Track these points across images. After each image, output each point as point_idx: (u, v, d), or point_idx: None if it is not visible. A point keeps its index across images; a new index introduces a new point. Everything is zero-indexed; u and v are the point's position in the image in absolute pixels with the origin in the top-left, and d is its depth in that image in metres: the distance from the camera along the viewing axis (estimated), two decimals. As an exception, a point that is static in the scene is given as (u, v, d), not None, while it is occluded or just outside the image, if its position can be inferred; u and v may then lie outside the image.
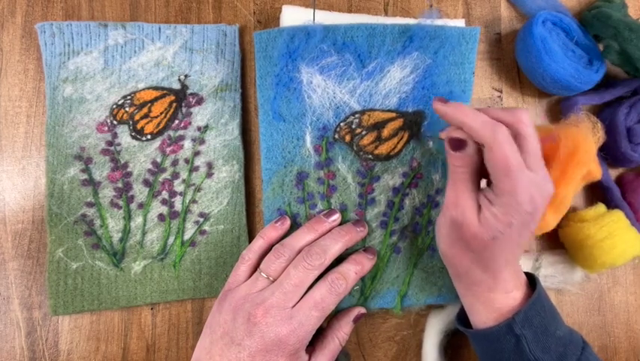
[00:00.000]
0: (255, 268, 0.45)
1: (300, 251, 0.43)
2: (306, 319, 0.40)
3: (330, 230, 0.45)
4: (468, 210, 0.39)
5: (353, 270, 0.44)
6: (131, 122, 0.48)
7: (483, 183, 0.42)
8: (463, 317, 0.46)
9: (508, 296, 0.41)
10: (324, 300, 0.41)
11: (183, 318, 0.50)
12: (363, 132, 0.47)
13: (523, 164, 0.37)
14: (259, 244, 0.45)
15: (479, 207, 0.39)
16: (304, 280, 0.41)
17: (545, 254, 0.52)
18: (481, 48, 0.54)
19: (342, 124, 0.47)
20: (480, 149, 0.39)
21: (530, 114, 0.54)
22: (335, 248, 0.43)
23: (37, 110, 0.49)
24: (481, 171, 0.40)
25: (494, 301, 0.41)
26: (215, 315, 0.42)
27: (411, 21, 0.47)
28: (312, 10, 0.48)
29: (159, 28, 0.49)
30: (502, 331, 0.40)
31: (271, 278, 0.42)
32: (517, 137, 0.37)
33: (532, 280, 0.44)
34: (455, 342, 0.51)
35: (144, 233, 0.48)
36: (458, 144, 0.39)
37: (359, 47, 0.46)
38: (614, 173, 0.54)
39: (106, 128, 0.48)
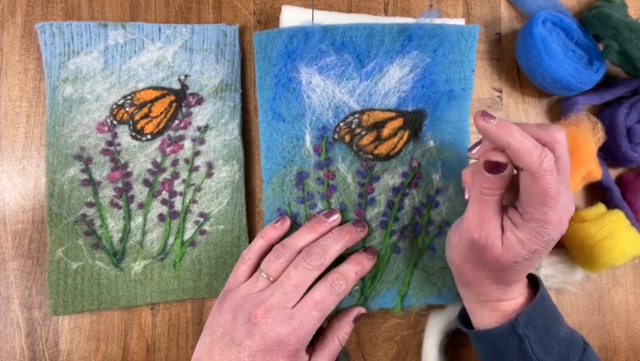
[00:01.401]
0: (255, 268, 0.45)
1: (300, 251, 0.43)
2: (306, 319, 0.40)
3: (330, 230, 0.45)
4: (493, 234, 0.37)
5: (353, 270, 0.44)
6: (131, 122, 0.48)
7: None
8: (464, 317, 0.46)
9: (513, 301, 0.41)
10: (325, 300, 0.41)
11: (183, 318, 0.50)
12: (363, 132, 0.47)
13: (560, 193, 0.35)
14: (259, 244, 0.45)
15: (502, 229, 0.38)
16: (304, 281, 0.41)
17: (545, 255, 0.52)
18: (481, 48, 0.54)
19: (341, 124, 0.47)
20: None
21: (530, 115, 0.54)
22: (335, 248, 0.43)
23: (37, 110, 0.49)
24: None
25: (499, 306, 0.41)
26: (215, 315, 0.42)
27: (410, 21, 0.47)
28: (311, 11, 0.48)
29: (159, 28, 0.49)
30: (506, 331, 0.40)
31: (271, 278, 0.42)
32: None
33: (533, 281, 0.44)
34: (455, 342, 0.51)
35: (144, 233, 0.48)
36: (497, 168, 0.36)
37: (358, 47, 0.46)
38: (614, 173, 0.54)
39: (106, 128, 0.48)
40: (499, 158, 0.36)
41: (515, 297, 0.41)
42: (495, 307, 0.42)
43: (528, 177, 0.35)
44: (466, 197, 0.41)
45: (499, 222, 0.38)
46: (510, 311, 0.41)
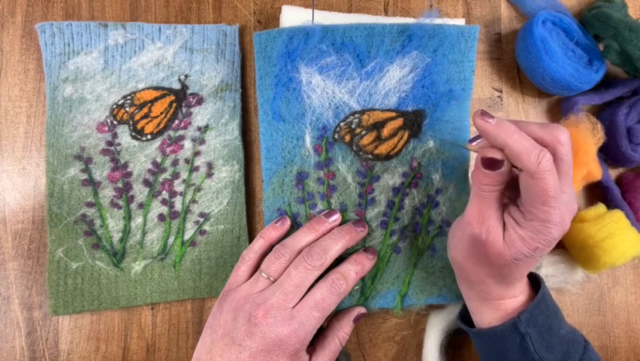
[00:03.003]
0: (256, 268, 0.45)
1: (300, 251, 0.43)
2: (306, 319, 0.40)
3: (330, 230, 0.45)
4: (493, 230, 0.37)
5: (353, 270, 0.44)
6: (131, 122, 0.48)
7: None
8: (465, 316, 0.46)
9: (514, 300, 0.41)
10: (325, 300, 0.41)
11: (183, 318, 0.50)
12: (363, 132, 0.47)
13: (561, 192, 0.35)
14: (259, 244, 0.45)
15: (504, 225, 0.38)
16: (305, 281, 0.41)
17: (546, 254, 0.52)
18: (481, 48, 0.54)
19: (341, 124, 0.47)
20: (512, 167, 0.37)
21: (531, 115, 0.54)
22: (335, 248, 0.43)
23: (37, 110, 0.49)
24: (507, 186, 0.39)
25: (501, 304, 0.41)
26: (215, 315, 0.42)
27: (410, 21, 0.47)
28: (311, 11, 0.48)
29: (159, 28, 0.49)
30: (507, 330, 0.40)
31: (272, 278, 0.42)
32: (554, 158, 0.35)
33: (534, 280, 0.44)
34: (456, 342, 0.51)
35: (144, 233, 0.48)
36: (493, 164, 0.36)
37: (358, 47, 0.46)
38: (614, 173, 0.54)
39: (106, 128, 0.48)
40: (496, 155, 0.36)
41: (517, 295, 0.41)
42: (497, 306, 0.42)
43: (527, 177, 0.35)
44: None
45: (500, 218, 0.38)
46: (512, 310, 0.41)
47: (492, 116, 0.36)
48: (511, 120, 0.37)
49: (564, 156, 0.36)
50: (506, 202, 0.40)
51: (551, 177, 0.34)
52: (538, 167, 0.34)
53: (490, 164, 0.36)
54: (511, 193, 0.40)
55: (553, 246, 0.37)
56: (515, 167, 0.37)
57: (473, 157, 0.47)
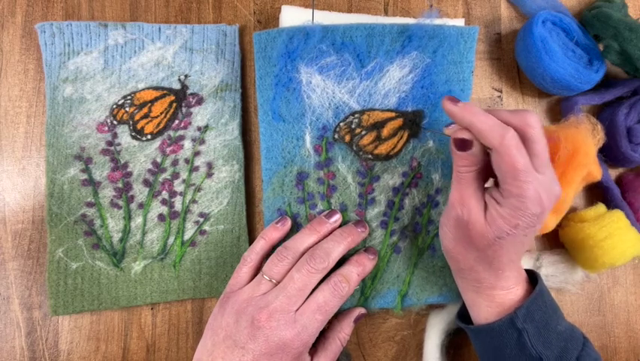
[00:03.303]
0: (257, 269, 0.45)
1: (303, 253, 0.43)
2: (309, 322, 0.40)
3: (331, 231, 0.45)
4: (474, 209, 0.39)
5: (355, 271, 0.44)
6: (131, 122, 0.48)
7: (490, 182, 0.42)
8: (463, 314, 0.46)
9: (509, 292, 0.41)
10: (328, 303, 0.41)
11: (183, 318, 0.50)
12: (363, 132, 0.47)
13: (532, 167, 0.36)
14: (261, 245, 0.45)
15: (485, 206, 0.39)
16: (308, 284, 0.41)
17: (546, 254, 0.52)
18: (481, 48, 0.54)
19: (341, 124, 0.47)
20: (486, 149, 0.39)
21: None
22: (338, 251, 0.43)
23: (37, 110, 0.49)
24: (487, 170, 0.40)
25: (495, 297, 0.41)
26: (217, 317, 0.42)
27: (410, 21, 0.47)
28: (311, 11, 0.48)
29: (159, 28, 0.49)
30: (504, 325, 0.40)
31: (274, 281, 0.42)
32: (525, 140, 0.37)
33: (532, 277, 0.44)
34: (456, 342, 0.51)
35: (144, 233, 0.48)
36: (463, 144, 0.39)
37: (358, 47, 0.46)
38: (614, 173, 0.54)
39: (106, 128, 0.48)
40: (465, 135, 0.38)
41: (510, 287, 0.41)
42: (490, 297, 0.41)
43: (495, 154, 0.37)
44: None
45: (480, 199, 0.39)
46: (508, 305, 0.41)
47: (458, 101, 0.39)
48: (485, 109, 0.39)
49: (534, 137, 0.37)
50: (489, 186, 0.41)
51: (517, 152, 0.36)
52: (502, 142, 0.36)
53: (460, 145, 0.39)
54: (495, 179, 0.41)
55: (535, 226, 0.38)
56: (486, 148, 0.38)
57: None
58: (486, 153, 0.39)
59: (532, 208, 0.37)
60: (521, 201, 0.36)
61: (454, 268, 0.44)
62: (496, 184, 0.40)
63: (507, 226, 0.37)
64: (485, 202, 0.39)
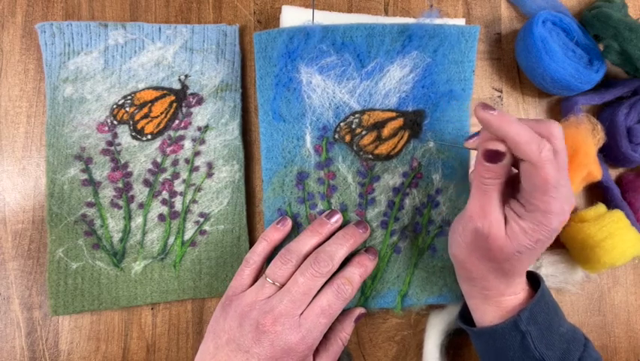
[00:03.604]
0: (259, 271, 0.45)
1: (305, 256, 0.43)
2: (314, 326, 0.40)
3: (333, 232, 0.45)
4: (495, 223, 0.38)
5: (357, 273, 0.44)
6: (131, 122, 0.48)
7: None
8: (464, 315, 0.46)
9: (516, 297, 0.42)
10: (332, 306, 0.41)
11: (183, 318, 0.50)
12: (363, 132, 0.47)
13: (560, 183, 0.36)
14: (262, 246, 0.45)
15: (505, 219, 0.38)
16: (312, 288, 0.41)
17: (546, 254, 0.52)
18: (481, 48, 0.54)
19: (342, 124, 0.47)
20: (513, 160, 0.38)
21: (531, 115, 0.54)
22: (341, 253, 0.43)
23: (38, 110, 0.49)
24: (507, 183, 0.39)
25: (502, 302, 0.42)
26: (219, 320, 0.42)
27: (411, 21, 0.47)
28: (311, 11, 0.48)
29: (159, 28, 0.49)
30: (508, 328, 0.40)
31: (278, 284, 0.42)
32: None
33: (533, 278, 0.44)
34: (456, 342, 0.51)
35: (144, 233, 0.48)
36: (495, 156, 0.37)
37: (358, 47, 0.46)
38: (614, 173, 0.54)
39: (106, 128, 0.48)
40: (499, 147, 0.37)
41: (518, 292, 0.41)
42: (498, 303, 0.42)
43: (529, 167, 0.35)
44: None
45: (501, 212, 0.38)
46: (512, 308, 0.41)
47: (493, 108, 0.36)
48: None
49: (559, 148, 0.36)
50: (506, 198, 0.40)
51: (552, 166, 0.35)
52: (540, 156, 0.35)
53: (492, 156, 0.37)
54: (509, 190, 0.41)
55: (553, 238, 0.38)
56: (516, 159, 0.37)
57: (473, 157, 0.47)
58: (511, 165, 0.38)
59: (555, 223, 0.36)
60: (546, 216, 0.36)
61: (462, 275, 0.44)
62: (508, 194, 0.40)
63: (528, 241, 0.37)
64: (505, 215, 0.38)
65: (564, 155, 0.37)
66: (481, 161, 0.38)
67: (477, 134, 0.40)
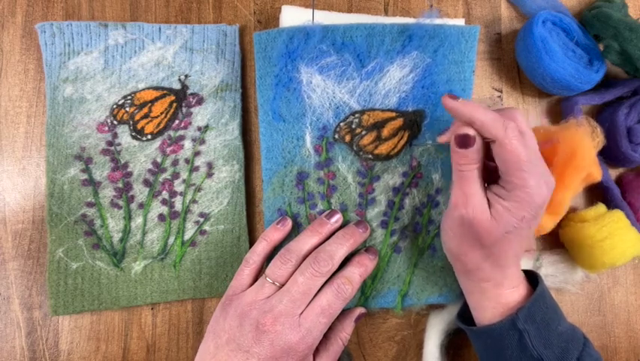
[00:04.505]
0: (259, 271, 0.45)
1: (305, 256, 0.43)
2: (314, 326, 0.40)
3: (332, 231, 0.45)
4: (478, 207, 0.39)
5: (357, 273, 0.44)
6: (131, 122, 0.48)
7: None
8: (463, 315, 0.46)
9: (514, 291, 0.42)
10: (332, 306, 0.41)
11: (183, 318, 0.50)
12: (363, 132, 0.47)
13: (531, 160, 0.37)
14: (262, 246, 0.45)
15: (488, 203, 0.39)
16: (312, 288, 0.41)
17: (546, 254, 0.52)
18: (481, 48, 0.54)
19: (342, 124, 0.47)
20: (484, 146, 0.40)
21: (531, 115, 0.54)
22: (341, 253, 0.43)
23: (38, 110, 0.49)
24: (483, 171, 0.41)
25: (501, 296, 0.42)
26: (219, 320, 0.42)
27: (411, 21, 0.47)
28: (311, 10, 0.48)
29: (159, 28, 0.49)
30: (505, 327, 0.40)
31: (277, 284, 0.42)
32: None
33: (532, 278, 0.44)
34: (456, 342, 0.51)
35: (144, 233, 0.48)
36: (465, 141, 0.39)
37: (358, 47, 0.46)
38: (614, 173, 0.54)
39: (106, 129, 0.48)
40: (468, 130, 0.39)
41: (515, 285, 0.42)
42: (497, 297, 0.42)
43: (498, 147, 0.38)
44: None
45: (483, 196, 0.40)
46: (511, 306, 0.41)
47: (457, 97, 0.40)
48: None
49: (523, 129, 0.38)
50: (487, 185, 0.42)
51: (519, 143, 0.37)
52: (506, 132, 0.37)
53: (463, 141, 0.39)
54: (489, 179, 0.42)
55: (537, 217, 0.39)
56: (487, 144, 0.39)
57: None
58: (483, 151, 0.40)
59: (537, 198, 0.38)
60: (526, 191, 0.37)
61: (458, 270, 0.44)
62: (493, 182, 0.41)
63: (514, 219, 0.38)
64: (488, 200, 0.40)
65: (530, 136, 0.39)
66: (454, 149, 0.40)
67: (447, 129, 0.42)
